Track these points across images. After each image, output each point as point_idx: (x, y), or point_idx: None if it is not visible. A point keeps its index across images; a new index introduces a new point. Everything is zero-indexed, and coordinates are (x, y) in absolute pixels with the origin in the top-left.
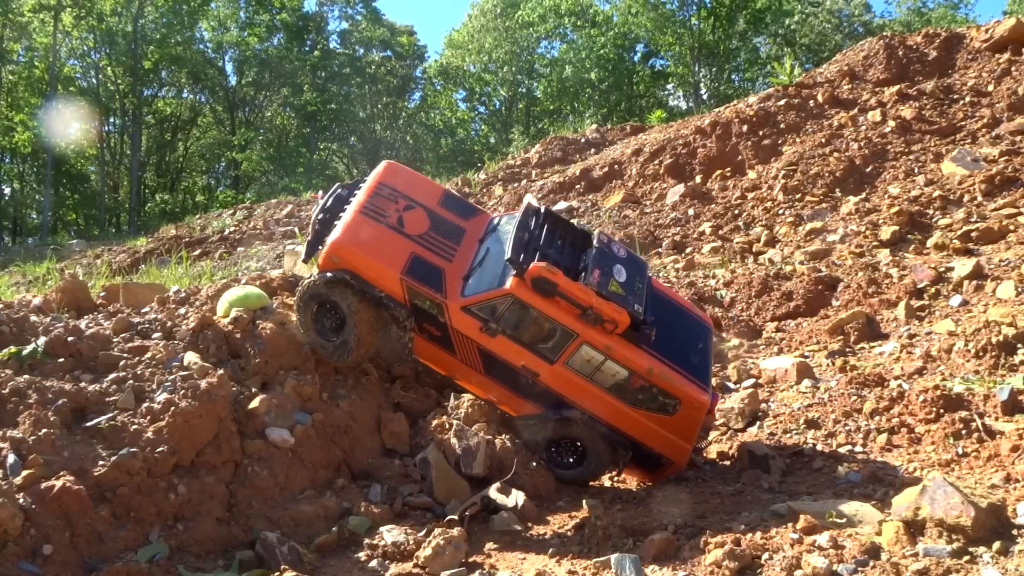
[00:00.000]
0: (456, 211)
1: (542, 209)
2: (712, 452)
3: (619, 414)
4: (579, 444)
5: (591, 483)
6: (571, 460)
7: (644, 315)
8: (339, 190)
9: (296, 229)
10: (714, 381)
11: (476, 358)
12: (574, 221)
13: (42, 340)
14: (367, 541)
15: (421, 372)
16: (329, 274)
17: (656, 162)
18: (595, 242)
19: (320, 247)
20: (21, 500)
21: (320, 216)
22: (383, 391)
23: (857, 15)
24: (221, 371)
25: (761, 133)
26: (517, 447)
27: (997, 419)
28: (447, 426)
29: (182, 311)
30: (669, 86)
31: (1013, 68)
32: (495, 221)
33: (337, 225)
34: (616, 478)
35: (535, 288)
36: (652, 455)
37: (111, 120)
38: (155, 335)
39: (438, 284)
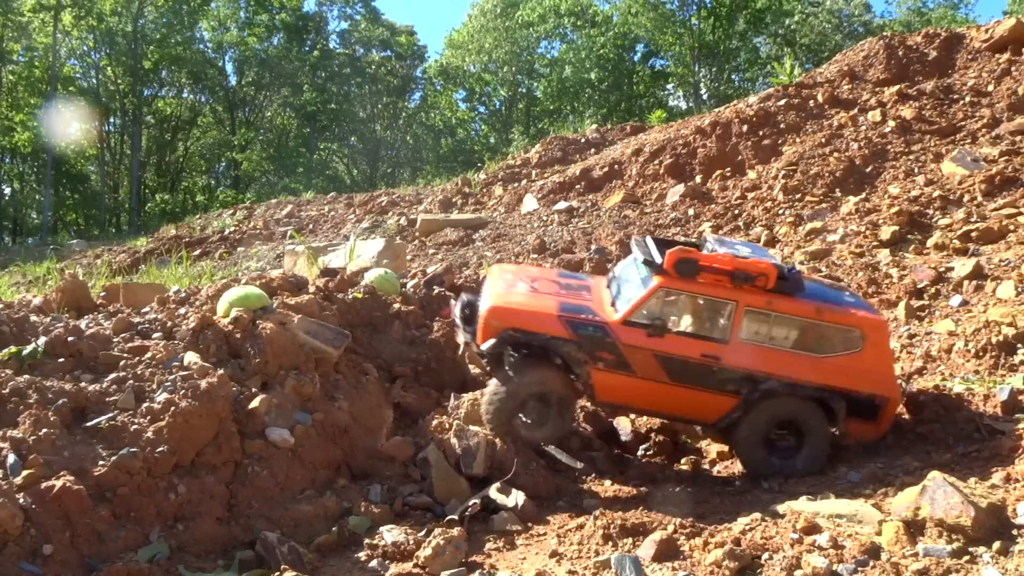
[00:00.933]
0: (572, 278)
1: (647, 237)
2: (712, 452)
3: (814, 368)
4: (792, 423)
5: (826, 456)
6: (792, 444)
7: (788, 265)
8: (464, 296)
9: (295, 229)
10: None
11: (656, 367)
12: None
13: (42, 340)
14: (367, 541)
15: (421, 372)
16: (493, 340)
17: (656, 162)
18: (707, 238)
19: (475, 327)
20: (21, 500)
21: (463, 313)
22: (383, 391)
23: (857, 15)
24: (221, 371)
25: (761, 133)
26: (517, 447)
27: (997, 419)
28: (447, 426)
29: (182, 311)
30: (669, 86)
31: (1013, 68)
32: (610, 275)
33: (481, 303)
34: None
35: (679, 273)
36: (865, 401)
37: (111, 120)
38: (155, 335)
39: (592, 314)
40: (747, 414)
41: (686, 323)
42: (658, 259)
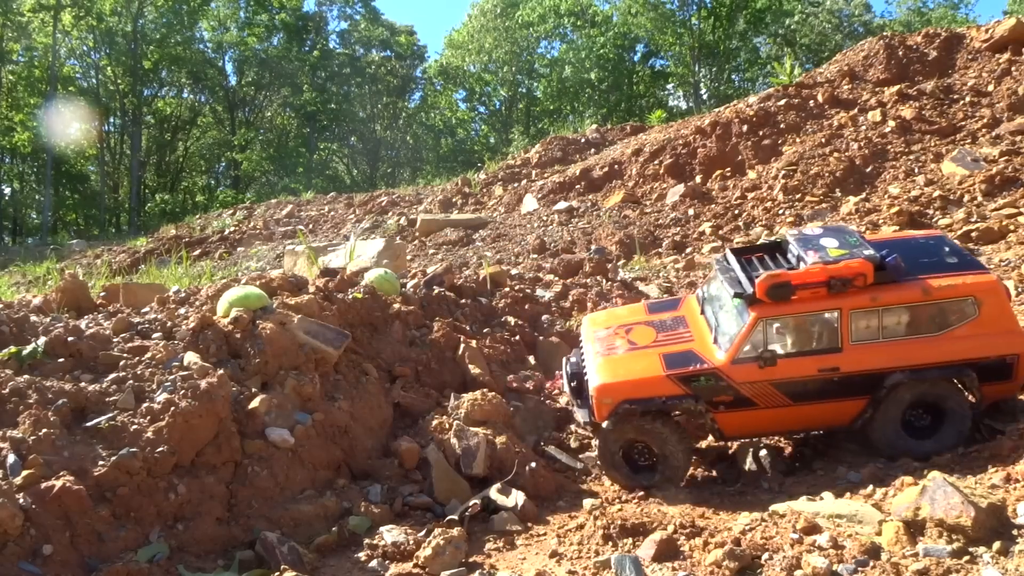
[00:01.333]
0: (663, 309)
1: (727, 251)
2: (712, 452)
3: (936, 348)
4: (929, 405)
5: (969, 428)
6: (928, 426)
7: (884, 254)
8: (568, 365)
9: (298, 227)
10: None
11: (777, 395)
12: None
13: (42, 340)
14: (367, 541)
15: (421, 372)
16: (612, 416)
17: (656, 162)
18: (789, 237)
19: (586, 399)
20: (21, 500)
21: (571, 386)
22: (383, 391)
23: (857, 15)
24: (221, 371)
25: (761, 133)
26: (517, 447)
27: (997, 419)
28: (447, 426)
29: (182, 311)
30: (669, 86)
31: (1013, 68)
32: (700, 294)
33: (589, 379)
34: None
35: (772, 299)
36: (995, 365)
37: (111, 120)
38: (155, 335)
39: (699, 361)
40: (878, 410)
41: (795, 344)
42: (748, 288)
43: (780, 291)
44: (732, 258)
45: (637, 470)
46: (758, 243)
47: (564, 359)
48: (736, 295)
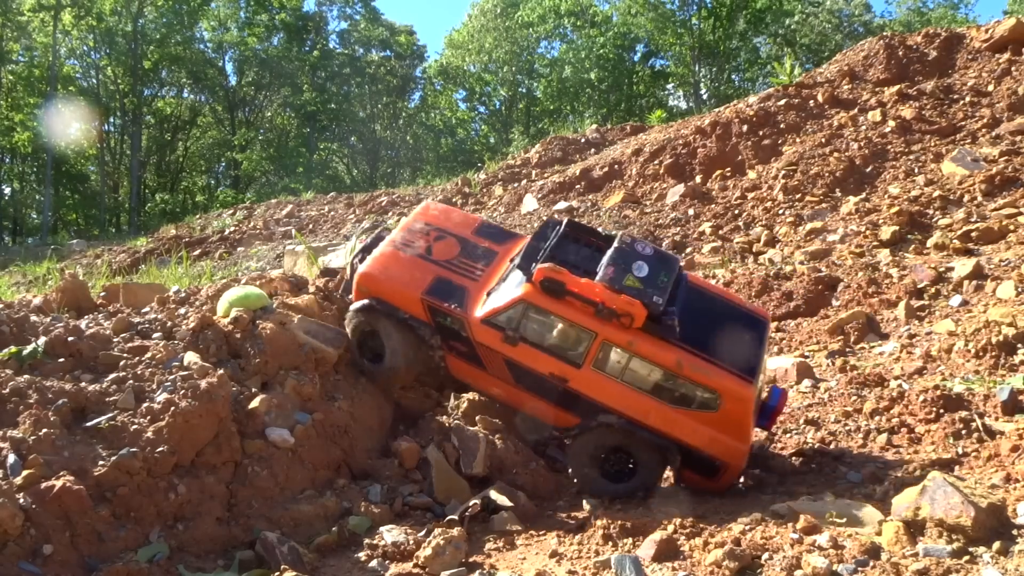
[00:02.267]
0: (490, 237)
1: (564, 220)
2: None
3: (658, 415)
4: (629, 454)
5: (647, 496)
6: (624, 472)
7: (665, 307)
8: (382, 232)
9: (295, 229)
10: None
11: (504, 370)
12: (601, 229)
13: (42, 340)
14: (367, 541)
15: (421, 372)
16: (362, 303)
17: (656, 162)
18: (616, 242)
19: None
20: (21, 500)
21: (359, 255)
22: (383, 391)
23: (857, 15)
24: (221, 371)
25: (761, 133)
26: (517, 447)
27: (997, 419)
28: (447, 426)
29: (182, 311)
30: (669, 86)
31: (1013, 68)
32: (522, 246)
33: (364, 261)
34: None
35: (545, 290)
36: (705, 459)
37: (111, 120)
38: (155, 335)
39: (460, 301)
40: (582, 435)
41: (543, 338)
42: (536, 266)
43: (553, 287)
44: (560, 229)
45: (372, 359)
46: (601, 231)
47: (383, 227)
48: (518, 267)
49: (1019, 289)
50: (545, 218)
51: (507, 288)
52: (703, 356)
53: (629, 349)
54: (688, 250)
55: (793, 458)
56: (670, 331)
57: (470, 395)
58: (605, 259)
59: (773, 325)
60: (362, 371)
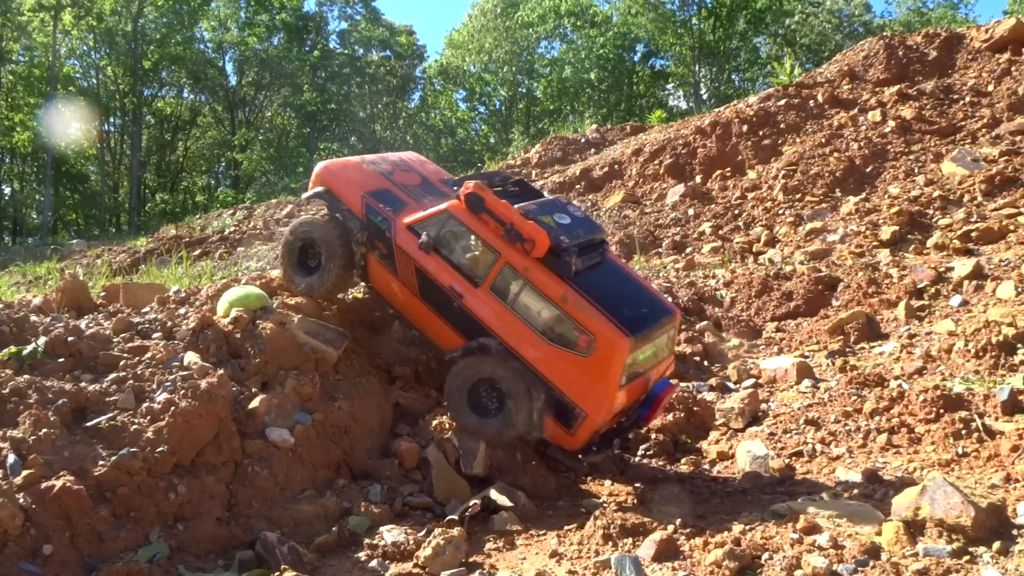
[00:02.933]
0: (450, 186)
1: (513, 178)
2: (712, 452)
3: (535, 348)
4: (499, 388)
5: (509, 437)
6: (492, 407)
7: (568, 247)
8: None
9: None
10: (713, 381)
11: (413, 278)
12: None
13: (42, 340)
14: (367, 541)
15: (421, 372)
16: (314, 190)
17: (656, 162)
18: (552, 196)
19: None
20: (21, 500)
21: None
22: (383, 391)
23: (857, 15)
24: (221, 371)
25: (761, 133)
26: (517, 447)
27: (997, 419)
28: (447, 426)
29: (182, 311)
30: (669, 86)
31: (1013, 68)
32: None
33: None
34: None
35: (468, 205)
36: (566, 405)
37: (111, 120)
38: (155, 335)
39: (394, 207)
40: (462, 359)
41: (454, 251)
42: (459, 183)
43: (474, 202)
44: (500, 178)
45: (307, 271)
46: (546, 194)
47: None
48: (449, 182)
49: (1019, 289)
50: None
51: (436, 204)
52: (590, 300)
53: (524, 275)
54: (688, 250)
55: (793, 458)
56: (566, 268)
57: None
58: (533, 200)
59: (772, 325)
60: (292, 283)
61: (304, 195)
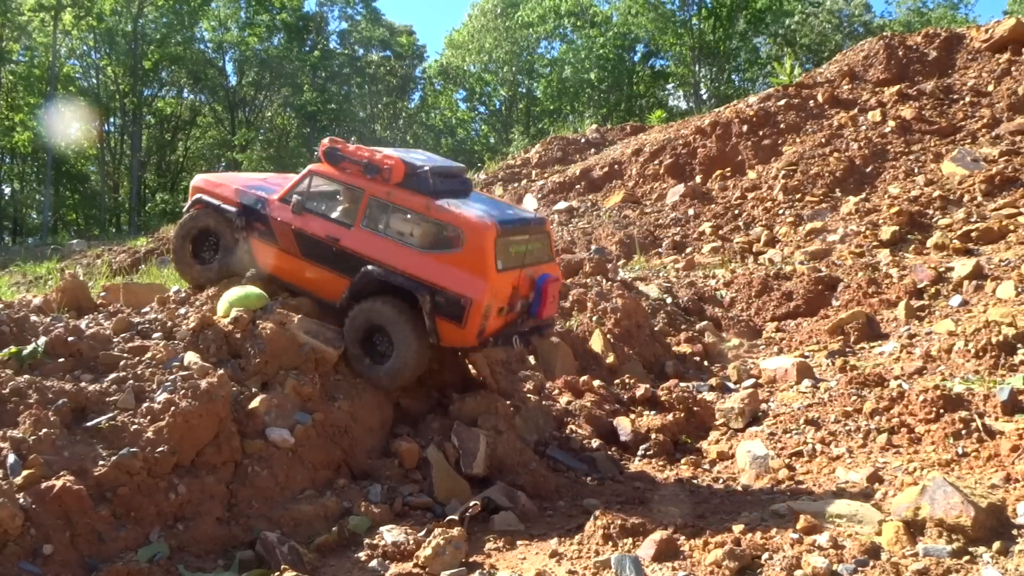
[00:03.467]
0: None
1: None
2: (712, 452)
3: (412, 260)
4: (387, 332)
5: (405, 374)
6: (385, 350)
7: (423, 168)
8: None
9: None
10: (713, 381)
11: (293, 242)
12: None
13: (42, 340)
14: (367, 541)
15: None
16: (189, 202)
17: (656, 162)
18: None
19: None
20: (21, 500)
21: None
22: (383, 391)
23: (857, 15)
24: (221, 371)
25: (761, 133)
26: (517, 447)
27: (997, 419)
28: (447, 426)
29: (182, 311)
30: (669, 86)
31: (1013, 68)
32: None
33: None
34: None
35: (327, 159)
36: (452, 299)
37: (111, 120)
38: (155, 335)
39: (267, 192)
40: (350, 307)
41: (325, 206)
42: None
43: (331, 154)
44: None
45: (201, 262)
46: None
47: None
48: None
49: (1019, 289)
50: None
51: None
52: (453, 204)
53: (388, 199)
54: (688, 250)
55: (793, 458)
56: (424, 183)
57: (470, 395)
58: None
59: (772, 325)
60: (186, 274)
61: (185, 208)
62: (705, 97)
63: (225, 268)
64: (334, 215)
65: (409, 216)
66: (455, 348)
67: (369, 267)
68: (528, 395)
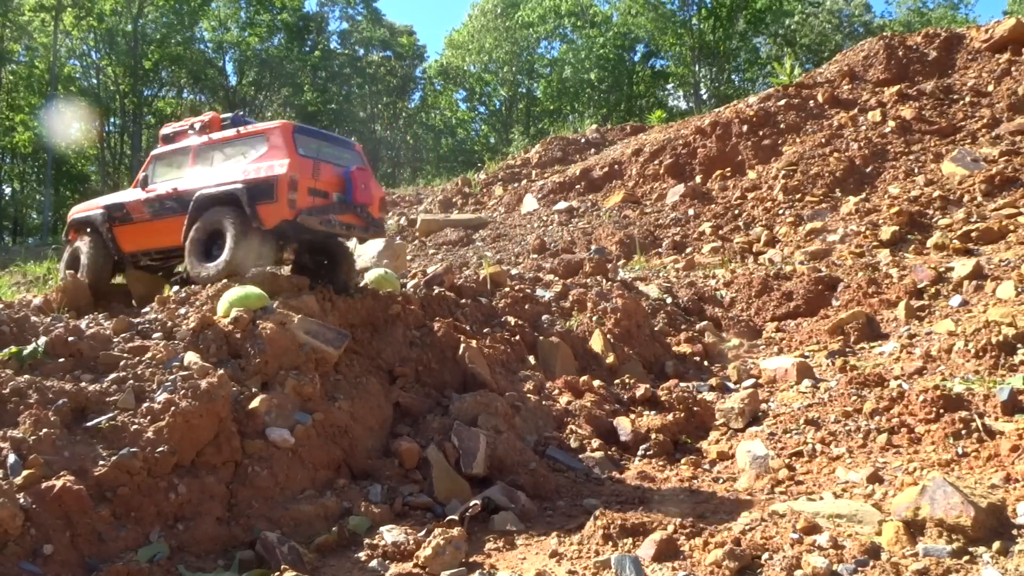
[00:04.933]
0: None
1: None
2: (712, 452)
3: (232, 174)
4: (220, 232)
5: (233, 266)
6: (217, 250)
7: (234, 115)
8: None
9: None
10: (713, 381)
11: (144, 210)
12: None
13: (42, 340)
14: (367, 541)
15: (421, 372)
16: (67, 225)
17: (656, 162)
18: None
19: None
20: (21, 500)
21: None
22: (383, 391)
23: (857, 15)
24: (221, 371)
25: (761, 133)
26: (517, 447)
27: (997, 419)
28: (447, 426)
29: (182, 311)
30: (669, 86)
31: (1013, 68)
32: None
33: None
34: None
35: (164, 142)
36: (264, 185)
37: (111, 120)
38: (155, 335)
39: (125, 195)
40: (189, 228)
41: (165, 173)
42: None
43: (167, 138)
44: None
45: (74, 267)
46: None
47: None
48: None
49: (1019, 289)
50: (544, 218)
51: None
52: (258, 124)
53: (211, 142)
54: (688, 250)
55: (792, 458)
56: (238, 120)
57: (471, 395)
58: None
59: (772, 325)
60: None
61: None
62: (705, 97)
63: (94, 267)
64: (171, 175)
65: (227, 147)
66: (282, 231)
67: (199, 192)
68: (528, 395)
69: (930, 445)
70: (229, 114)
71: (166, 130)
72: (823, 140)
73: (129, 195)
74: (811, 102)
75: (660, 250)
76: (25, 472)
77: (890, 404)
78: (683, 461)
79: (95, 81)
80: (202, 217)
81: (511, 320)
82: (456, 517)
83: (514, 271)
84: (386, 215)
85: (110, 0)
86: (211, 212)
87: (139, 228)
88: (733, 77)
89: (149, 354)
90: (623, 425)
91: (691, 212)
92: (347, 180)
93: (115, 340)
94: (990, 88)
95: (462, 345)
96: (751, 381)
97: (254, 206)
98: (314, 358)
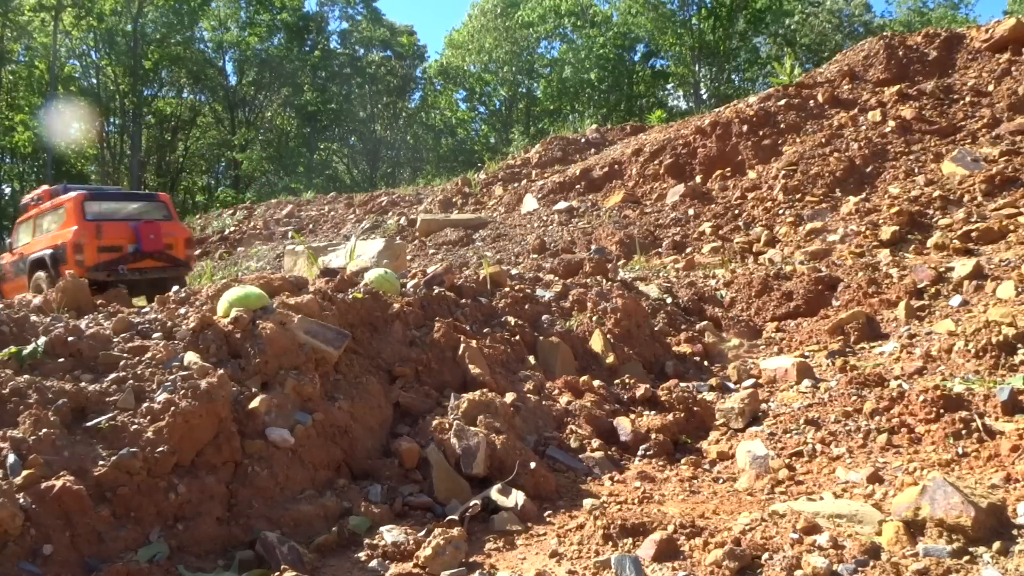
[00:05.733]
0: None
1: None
2: (712, 452)
3: (50, 240)
4: (41, 288)
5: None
6: None
7: (59, 187)
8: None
9: (294, 230)
10: (713, 381)
11: (10, 270)
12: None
13: (42, 340)
14: (367, 541)
15: (421, 372)
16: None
17: (656, 162)
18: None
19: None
20: (21, 500)
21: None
22: (383, 391)
23: (857, 15)
24: (221, 371)
25: (761, 133)
26: (517, 447)
27: (997, 419)
28: (447, 426)
29: (182, 311)
30: (669, 86)
31: (1013, 68)
32: None
33: None
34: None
35: (23, 211)
36: (60, 250)
37: (111, 120)
38: (155, 335)
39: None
40: (28, 285)
41: (22, 239)
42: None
43: (24, 208)
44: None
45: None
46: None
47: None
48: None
49: (1019, 289)
50: (544, 218)
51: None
52: (70, 195)
53: (41, 212)
54: (688, 250)
55: (793, 458)
56: (58, 192)
57: (470, 395)
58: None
59: (772, 325)
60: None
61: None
62: (705, 97)
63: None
64: (23, 240)
65: (48, 216)
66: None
67: (30, 256)
68: (528, 395)
69: (930, 445)
70: (59, 185)
71: (25, 199)
72: (823, 140)
73: (6, 258)
74: (811, 102)
75: (660, 250)
76: (25, 472)
77: (890, 404)
78: (683, 461)
79: (95, 81)
80: (32, 276)
81: (511, 320)
82: (456, 517)
83: (514, 271)
84: (193, 252)
85: (110, 0)
86: (36, 272)
87: (12, 285)
88: (733, 77)
89: (149, 354)
90: (623, 425)
91: (691, 212)
92: (136, 233)
93: (115, 340)
94: (990, 88)
95: (462, 345)
96: (751, 381)
97: (56, 267)
98: (314, 358)
